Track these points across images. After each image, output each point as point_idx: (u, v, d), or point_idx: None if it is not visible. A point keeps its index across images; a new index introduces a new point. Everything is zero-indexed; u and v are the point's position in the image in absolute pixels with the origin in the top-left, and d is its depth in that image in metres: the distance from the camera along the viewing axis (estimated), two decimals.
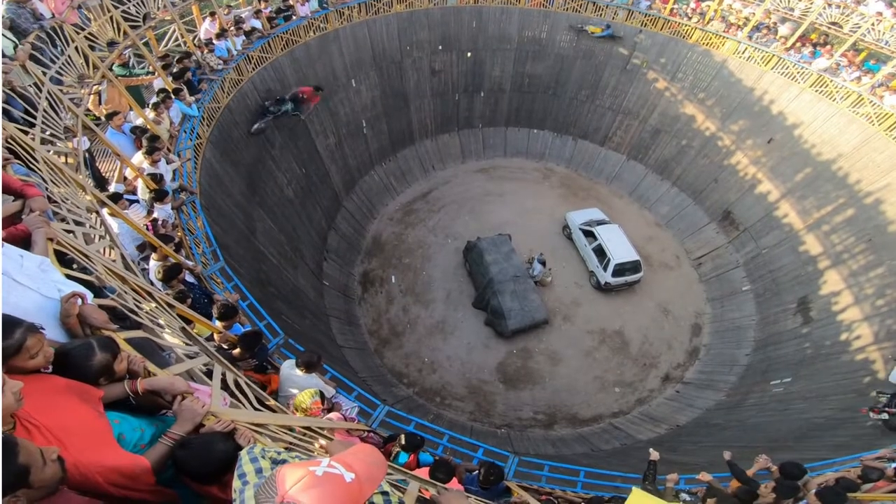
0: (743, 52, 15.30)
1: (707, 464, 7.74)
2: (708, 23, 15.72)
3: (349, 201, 15.39)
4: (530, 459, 7.54)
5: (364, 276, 14.40)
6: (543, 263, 14.14)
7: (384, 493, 1.96)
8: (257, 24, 12.10)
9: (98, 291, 3.42)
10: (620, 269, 13.80)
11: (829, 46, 14.72)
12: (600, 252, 14.11)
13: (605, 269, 13.88)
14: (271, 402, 4.11)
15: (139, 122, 8.20)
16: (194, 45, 10.84)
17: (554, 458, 10.38)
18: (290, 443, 2.81)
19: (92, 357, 2.22)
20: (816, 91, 14.06)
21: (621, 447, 11.18)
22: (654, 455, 5.70)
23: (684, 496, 5.52)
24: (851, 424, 9.12)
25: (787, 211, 14.61)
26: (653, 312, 14.33)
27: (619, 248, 14.00)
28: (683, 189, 17.05)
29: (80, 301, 2.71)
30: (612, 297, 14.42)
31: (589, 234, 14.63)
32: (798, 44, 14.70)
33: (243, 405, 3.24)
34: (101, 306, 2.97)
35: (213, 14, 11.53)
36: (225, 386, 3.46)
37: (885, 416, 8.57)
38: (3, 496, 1.45)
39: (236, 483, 1.64)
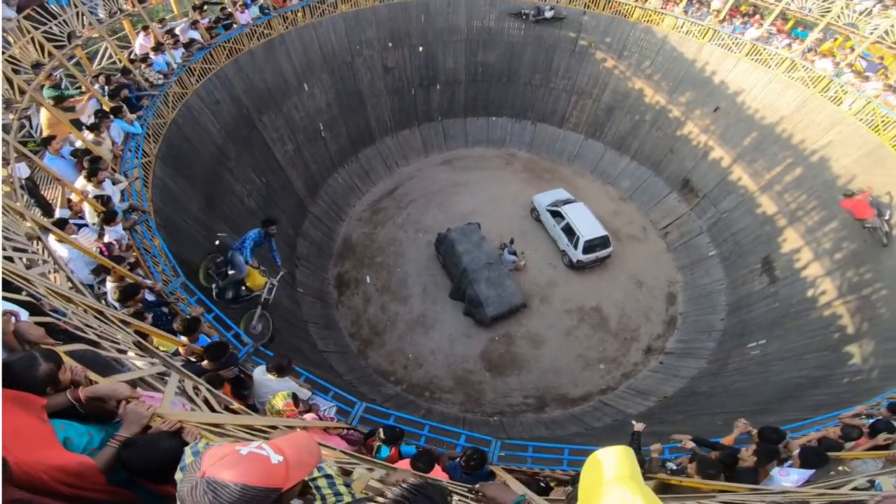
0: (681, 27, 15.84)
1: (697, 433, 7.86)
2: (646, 1, 16.10)
3: (315, 206, 15.18)
4: (514, 442, 7.60)
5: (338, 279, 14.25)
6: (514, 253, 14.27)
7: (328, 476, 2.02)
8: (196, 35, 11.78)
9: (40, 312, 3.34)
10: (590, 246, 14.01)
11: (757, 16, 15.47)
12: (569, 231, 14.32)
13: (575, 247, 14.09)
14: (235, 406, 4.05)
15: (79, 144, 7.90)
16: (129, 61, 10.48)
17: (547, 439, 10.47)
18: (249, 441, 2.78)
19: (36, 367, 2.25)
20: (752, 59, 14.72)
21: (613, 423, 11.32)
22: (639, 426, 5.74)
23: (670, 465, 5.61)
24: (829, 382, 9.45)
25: (740, 175, 15.15)
26: (627, 286, 14.63)
27: (587, 225, 14.23)
28: (642, 162, 17.46)
29: (13, 319, 2.71)
30: (587, 274, 14.65)
31: (556, 215, 14.84)
32: (729, 16, 15.35)
33: (201, 409, 3.19)
34: (37, 323, 2.92)
35: (146, 28, 11.17)
36: (190, 397, 3.41)
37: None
38: None
39: (178, 475, 1.69)
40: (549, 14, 16.69)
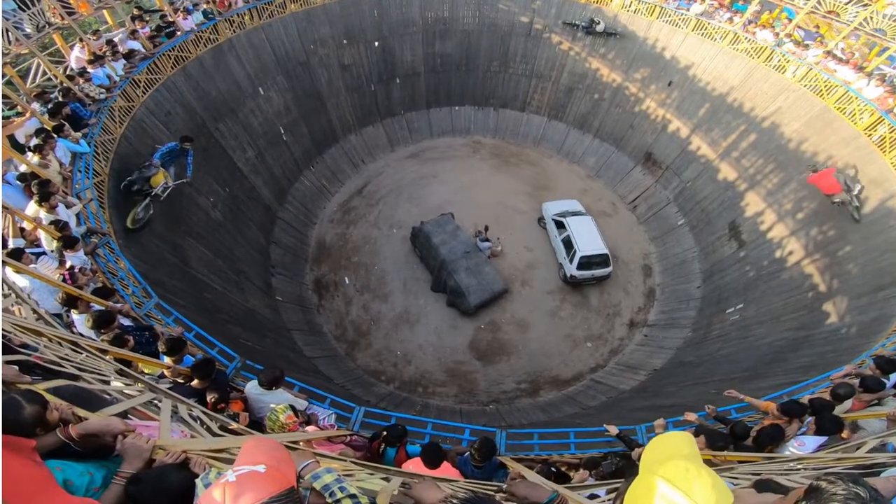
0: (629, 6, 16.22)
1: (694, 403, 7.91)
2: None
3: (284, 211, 14.76)
4: (518, 431, 7.62)
5: (317, 284, 13.94)
6: (488, 241, 14.28)
7: (352, 497, 1.99)
8: (136, 45, 11.16)
9: (8, 350, 3.09)
10: (587, 262, 13.42)
11: None
12: (568, 244, 13.76)
13: (571, 260, 13.53)
14: (234, 425, 3.88)
15: (23, 168, 7.37)
16: (66, 76, 9.83)
17: (546, 423, 10.55)
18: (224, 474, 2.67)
19: (21, 410, 2.10)
20: (698, 34, 15.26)
21: (608, 400, 11.47)
22: (612, 429, 5.58)
23: None
24: (811, 343, 9.74)
25: (698, 144, 15.67)
26: None
27: (587, 240, 13.61)
28: (605, 139, 17.80)
29: None
30: None
31: (560, 226, 14.32)
32: None
33: (200, 435, 3.03)
34: (8, 362, 2.69)
35: (80, 41, 10.49)
36: (183, 419, 3.24)
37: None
38: None
39: None
40: (599, 28, 16.51)
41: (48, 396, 2.45)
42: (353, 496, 1.95)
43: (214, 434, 3.19)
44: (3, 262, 4.89)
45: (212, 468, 2.18)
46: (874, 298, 9.64)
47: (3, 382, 2.57)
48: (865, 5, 12.86)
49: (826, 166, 12.23)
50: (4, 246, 6.53)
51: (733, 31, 14.54)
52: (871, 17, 12.62)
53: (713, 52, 15.04)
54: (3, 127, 8.44)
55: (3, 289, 4.37)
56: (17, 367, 2.65)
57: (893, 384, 5.92)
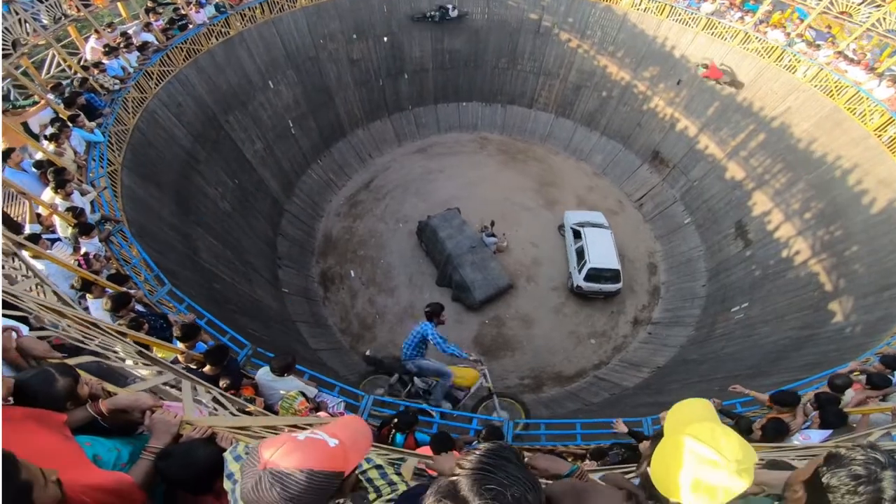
0: (639, 5, 16.15)
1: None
2: None
3: (291, 204, 14.86)
4: (525, 421, 7.70)
5: (323, 276, 14.03)
6: (493, 236, 14.31)
7: (379, 467, 1.96)
8: (149, 37, 11.27)
9: (33, 328, 3.18)
10: (595, 275, 13.12)
11: None
12: (581, 254, 13.55)
13: (579, 271, 13.29)
14: (251, 408, 3.96)
15: (39, 156, 7.48)
16: (81, 67, 9.94)
17: (550, 418, 10.62)
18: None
19: (54, 383, 2.14)
20: (709, 33, 15.18)
21: (611, 397, 11.49)
22: (621, 428, 5.59)
23: None
24: (815, 342, 9.74)
25: (706, 143, 15.64)
26: None
27: (600, 253, 13.33)
28: (612, 137, 17.78)
29: (14, 335, 2.57)
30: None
31: (577, 235, 14.10)
32: None
33: (220, 414, 3.12)
34: (39, 338, 2.78)
35: (96, 32, 10.62)
36: (199, 401, 3.32)
37: None
38: None
39: (227, 484, 1.61)
40: (454, 14, 16.57)
41: (80, 371, 2.54)
42: (378, 466, 1.96)
43: (234, 415, 3.27)
44: (22, 245, 4.98)
45: (239, 442, 2.16)
46: (880, 298, 9.64)
47: (34, 357, 2.65)
48: (878, 6, 12.79)
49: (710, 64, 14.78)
50: (20, 232, 6.66)
51: (744, 30, 14.48)
52: (885, 18, 12.56)
53: (723, 51, 14.98)
54: (18, 115, 8.58)
55: (22, 268, 4.46)
56: (48, 343, 2.72)
57: None
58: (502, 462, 1.16)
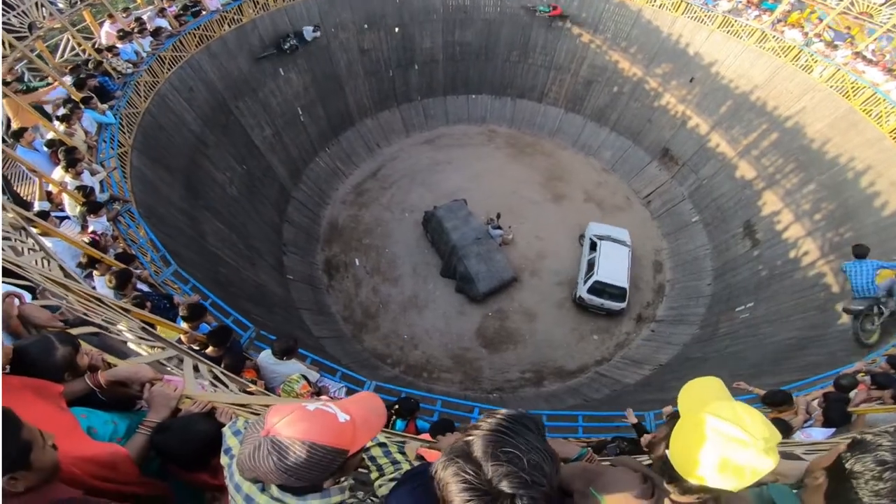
0: (654, 1, 15.90)
1: None
2: None
3: (298, 191, 14.93)
4: (527, 413, 7.69)
5: (327, 264, 14.11)
6: (499, 228, 14.30)
7: (382, 445, 1.93)
8: (163, 23, 11.35)
9: (37, 297, 3.21)
10: (600, 289, 12.78)
11: None
12: (592, 265, 13.24)
13: (585, 281, 13.06)
14: (252, 388, 4.01)
15: (50, 136, 7.57)
16: (95, 51, 10.03)
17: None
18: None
19: (54, 351, 2.11)
20: (724, 31, 14.93)
21: (612, 393, 11.48)
22: (631, 418, 5.61)
23: None
24: (820, 342, 9.62)
25: (718, 141, 15.45)
26: None
27: (611, 269, 12.96)
28: (622, 133, 17.63)
29: (17, 301, 2.57)
30: (575, 246, 14.77)
31: (594, 247, 13.76)
32: None
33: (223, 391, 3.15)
34: (43, 307, 2.80)
35: (110, 16, 10.71)
36: (201, 377, 3.35)
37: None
38: (4, 473, 1.36)
39: (224, 459, 1.57)
40: (309, 38, 14.38)
41: (80, 341, 2.55)
42: (382, 444, 1.93)
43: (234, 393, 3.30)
44: (31, 220, 5.05)
45: (239, 417, 2.14)
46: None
47: (35, 325, 2.67)
48: None
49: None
50: (29, 210, 6.75)
51: (761, 29, 14.22)
52: None
53: (738, 49, 14.76)
54: (31, 96, 8.67)
55: (30, 242, 4.52)
56: (50, 312, 2.73)
57: None
58: (521, 428, 1.10)
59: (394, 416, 5.37)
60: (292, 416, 1.25)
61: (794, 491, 1.63)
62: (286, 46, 13.95)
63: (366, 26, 16.05)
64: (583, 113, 18.29)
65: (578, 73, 17.87)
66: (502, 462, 1.02)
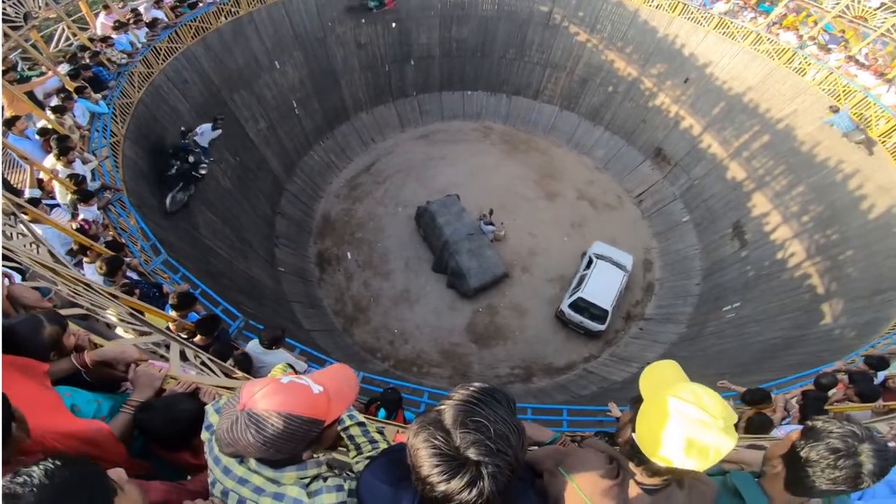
0: (652, 1, 16.00)
1: None
2: None
3: (291, 184, 14.94)
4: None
5: (319, 257, 14.16)
6: (492, 224, 14.38)
7: (361, 424, 1.95)
8: (159, 14, 11.33)
9: (26, 279, 3.26)
10: (582, 307, 12.53)
11: None
12: (581, 282, 13.02)
13: (569, 296, 12.89)
14: (238, 375, 4.08)
15: (42, 124, 7.59)
16: (89, 41, 10.02)
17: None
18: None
19: (41, 330, 2.15)
20: (720, 33, 15.04)
21: (599, 390, 11.59)
22: (615, 411, 5.64)
23: None
24: (804, 342, 9.82)
25: (710, 142, 15.59)
26: None
27: (598, 288, 12.65)
28: (615, 132, 17.75)
29: (7, 281, 2.61)
30: (567, 243, 14.88)
31: (590, 264, 13.49)
32: None
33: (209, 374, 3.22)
34: (33, 289, 2.86)
35: (106, 7, 10.67)
36: (187, 361, 3.41)
37: None
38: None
39: (204, 435, 1.58)
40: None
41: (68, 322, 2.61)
42: (361, 424, 1.95)
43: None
44: (22, 207, 5.09)
45: (222, 397, 2.13)
46: (871, 302, 9.71)
47: (24, 306, 2.72)
48: (895, 12, 12.65)
49: None
50: (20, 195, 6.77)
51: (756, 31, 14.33)
52: None
53: (733, 51, 14.86)
54: (24, 85, 8.67)
55: (19, 227, 4.57)
56: (39, 293, 2.78)
57: (881, 381, 6.09)
58: (492, 401, 1.13)
59: (380, 407, 5.46)
60: (267, 390, 1.28)
61: (756, 479, 1.69)
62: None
63: (363, 20, 16.04)
64: (577, 111, 18.40)
65: (574, 72, 17.96)
66: (471, 430, 1.06)
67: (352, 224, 14.85)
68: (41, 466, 1.14)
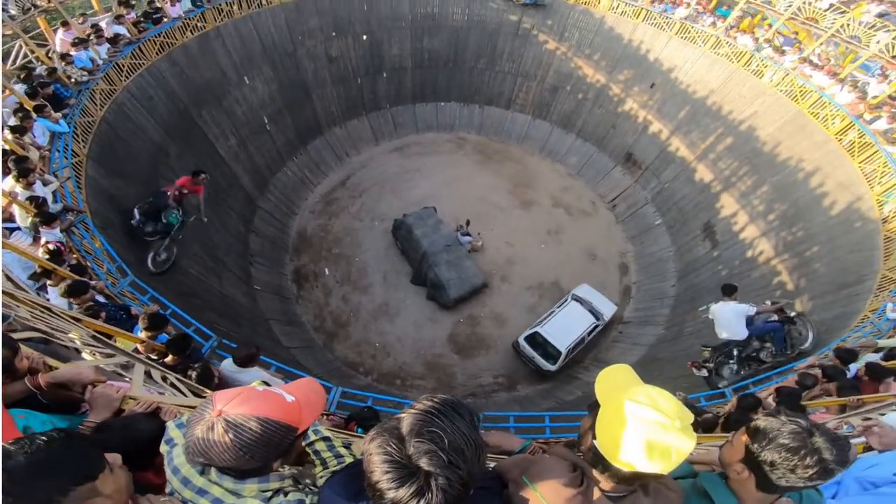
0: (616, 8, 16.48)
1: None
2: None
3: (265, 201, 14.70)
4: (494, 414, 7.76)
5: (296, 274, 13.92)
6: (469, 234, 14.43)
7: (326, 439, 1.94)
8: (121, 30, 11.07)
9: None
10: (538, 342, 12.07)
11: None
12: (546, 318, 12.65)
13: (530, 328, 12.49)
14: (209, 394, 3.94)
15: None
16: (49, 58, 9.73)
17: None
18: None
19: None
20: (682, 37, 15.57)
21: (583, 395, 11.58)
22: None
23: None
24: None
25: (677, 146, 16.05)
26: (582, 259, 15.16)
27: (558, 328, 12.17)
28: (587, 139, 18.12)
29: None
30: (544, 251, 15.03)
31: (563, 304, 13.12)
32: None
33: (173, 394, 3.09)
34: None
35: (65, 24, 10.39)
36: (153, 381, 3.28)
37: (705, 372, 9.15)
38: None
39: (163, 448, 1.56)
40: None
41: (19, 345, 2.48)
42: (326, 438, 1.93)
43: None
44: None
45: (184, 414, 2.05)
46: (838, 296, 10.00)
47: None
48: (843, 13, 13.34)
49: None
50: None
51: (716, 35, 14.88)
52: (848, 25, 13.10)
53: (695, 55, 15.40)
54: None
55: None
56: None
57: (854, 374, 6.24)
58: (452, 413, 1.12)
59: (358, 428, 5.35)
60: (243, 396, 1.28)
61: (724, 481, 1.67)
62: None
63: (333, 34, 16.03)
64: (549, 119, 18.73)
65: (545, 80, 18.31)
66: (425, 440, 1.05)
67: (328, 239, 14.67)
68: (46, 435, 1.24)
